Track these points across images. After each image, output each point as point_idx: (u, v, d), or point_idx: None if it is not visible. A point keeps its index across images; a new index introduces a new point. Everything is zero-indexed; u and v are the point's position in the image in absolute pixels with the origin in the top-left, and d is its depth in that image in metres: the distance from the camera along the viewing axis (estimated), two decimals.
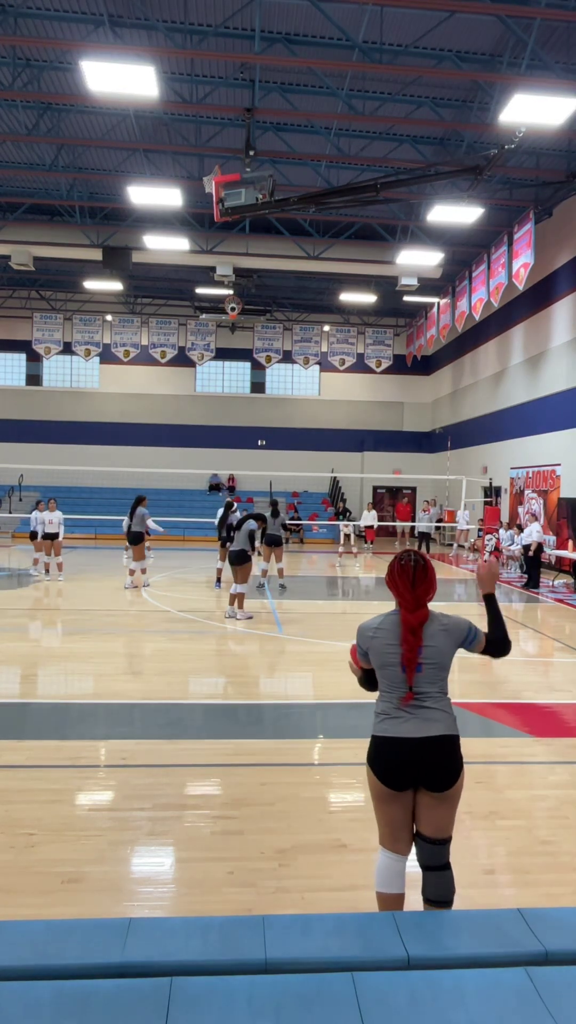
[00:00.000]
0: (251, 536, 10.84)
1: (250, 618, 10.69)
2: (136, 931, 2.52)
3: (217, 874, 3.72)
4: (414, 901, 3.51)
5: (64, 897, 3.48)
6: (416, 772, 2.96)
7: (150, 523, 13.51)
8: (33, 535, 15.26)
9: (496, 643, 3.31)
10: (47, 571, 15.05)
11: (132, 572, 13.64)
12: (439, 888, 3.05)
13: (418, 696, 3.05)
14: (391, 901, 3.06)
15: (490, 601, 3.35)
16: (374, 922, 2.66)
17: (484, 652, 3.29)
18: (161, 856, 3.97)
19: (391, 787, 2.98)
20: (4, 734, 5.80)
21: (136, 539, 13.39)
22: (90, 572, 15.91)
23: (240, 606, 10.76)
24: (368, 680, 3.30)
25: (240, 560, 10.65)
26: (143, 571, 13.64)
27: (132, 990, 2.23)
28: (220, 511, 13.59)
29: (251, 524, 10.81)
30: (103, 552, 20.05)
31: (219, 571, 13.97)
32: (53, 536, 14.88)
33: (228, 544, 13.17)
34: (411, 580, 3.04)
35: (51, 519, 14.86)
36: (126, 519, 13.96)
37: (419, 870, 3.10)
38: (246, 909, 3.38)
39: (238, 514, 13.71)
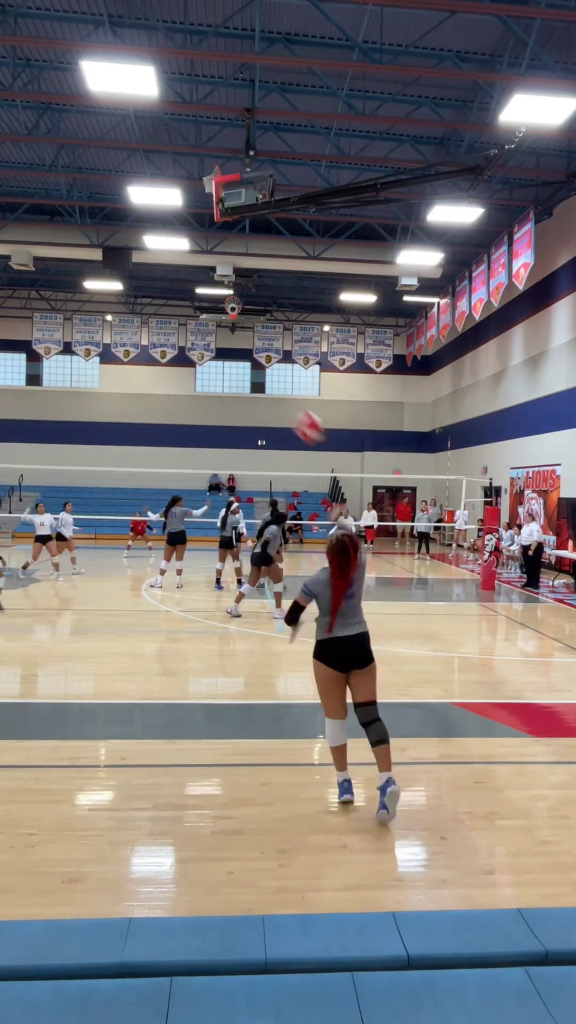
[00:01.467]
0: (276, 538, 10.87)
1: (278, 613, 10.92)
2: (136, 931, 2.52)
3: (217, 874, 3.72)
4: (414, 901, 3.51)
5: (64, 897, 3.48)
6: (350, 657, 4.57)
7: (151, 516, 13.66)
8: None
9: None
10: (56, 569, 15.16)
11: (163, 572, 13.69)
12: (378, 733, 4.51)
13: (346, 615, 4.62)
14: (341, 751, 4.72)
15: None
16: (374, 922, 2.66)
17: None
18: (161, 856, 3.97)
19: (338, 670, 4.60)
20: (4, 734, 5.80)
21: (177, 539, 13.43)
22: (90, 572, 15.89)
23: (278, 604, 10.99)
24: (297, 613, 5.00)
25: (262, 562, 10.64)
26: (179, 572, 13.72)
27: (132, 990, 2.23)
28: (222, 511, 13.57)
29: (272, 529, 10.72)
30: (103, 552, 20.04)
31: (219, 572, 13.95)
32: (45, 539, 15.04)
33: (236, 545, 13.30)
34: (345, 563, 4.54)
35: (42, 521, 15.06)
36: (155, 516, 14.24)
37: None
38: (246, 909, 3.38)
39: (240, 515, 13.91)
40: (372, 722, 4.51)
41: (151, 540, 19.99)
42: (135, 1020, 2.11)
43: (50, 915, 3.25)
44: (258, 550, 10.67)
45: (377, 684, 4.59)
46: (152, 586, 13.65)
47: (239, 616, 10.74)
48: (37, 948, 2.44)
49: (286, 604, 10.69)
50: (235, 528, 13.39)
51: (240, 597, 10.96)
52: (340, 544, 4.53)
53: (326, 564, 4.61)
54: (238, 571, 13.90)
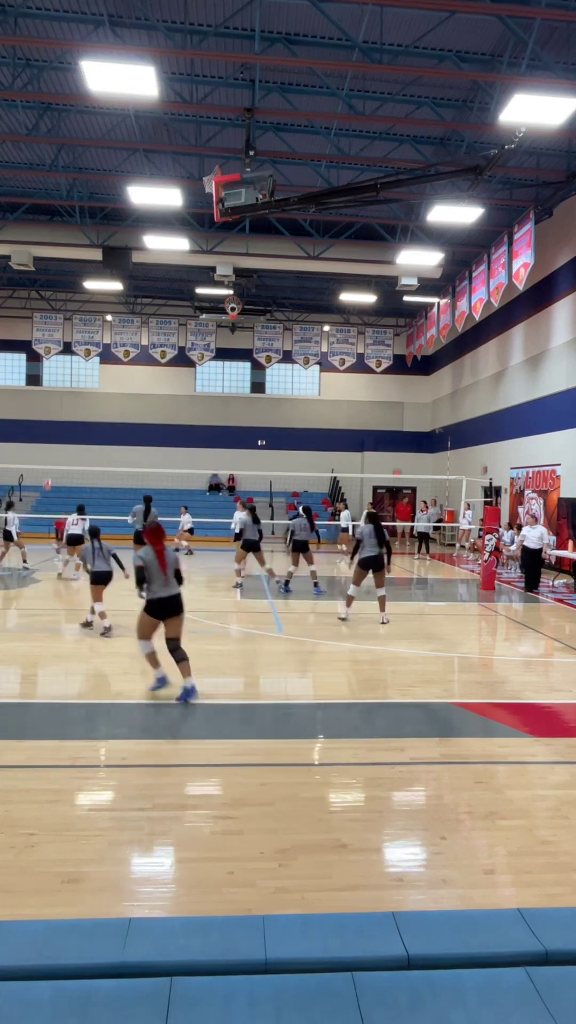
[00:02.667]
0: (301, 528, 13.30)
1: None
2: (136, 931, 2.52)
3: (217, 874, 3.72)
4: (414, 901, 3.51)
5: (64, 897, 3.48)
6: (168, 609, 6.84)
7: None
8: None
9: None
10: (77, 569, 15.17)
11: (239, 572, 14.03)
12: (179, 655, 6.87)
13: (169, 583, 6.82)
14: (152, 656, 7.00)
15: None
16: (374, 922, 2.66)
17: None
18: (161, 856, 3.97)
19: (158, 618, 6.89)
20: (4, 734, 5.80)
21: (251, 546, 13.73)
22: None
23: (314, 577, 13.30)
24: (141, 579, 6.83)
25: (300, 548, 13.28)
26: (239, 573, 14.12)
27: (132, 990, 2.23)
28: (240, 515, 14.59)
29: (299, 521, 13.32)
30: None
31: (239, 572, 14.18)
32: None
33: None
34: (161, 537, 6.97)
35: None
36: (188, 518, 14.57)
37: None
38: (246, 909, 3.38)
39: (242, 514, 14.57)
40: (176, 650, 6.95)
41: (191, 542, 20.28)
42: (135, 1020, 2.11)
43: (50, 915, 3.25)
44: (302, 537, 13.20)
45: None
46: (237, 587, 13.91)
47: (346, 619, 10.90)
48: (37, 948, 2.44)
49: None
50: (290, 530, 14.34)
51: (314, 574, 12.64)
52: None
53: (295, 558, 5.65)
54: (270, 572, 14.30)
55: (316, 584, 13.66)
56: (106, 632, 9.51)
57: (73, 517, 15.16)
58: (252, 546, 13.61)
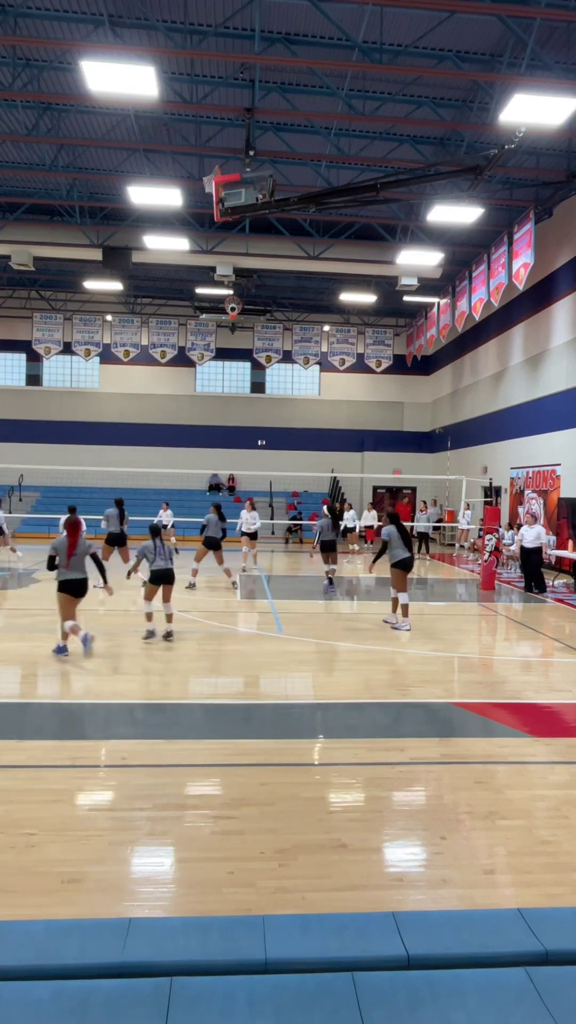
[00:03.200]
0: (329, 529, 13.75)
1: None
2: (136, 931, 2.52)
3: (217, 874, 3.72)
4: (413, 902, 3.51)
5: (64, 897, 3.48)
6: (78, 589, 8.28)
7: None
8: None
9: None
10: None
11: (196, 573, 13.90)
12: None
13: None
14: (75, 627, 8.05)
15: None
16: (374, 922, 2.66)
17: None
18: (161, 856, 3.97)
19: (76, 596, 8.25)
20: (4, 734, 5.80)
21: (212, 544, 13.62)
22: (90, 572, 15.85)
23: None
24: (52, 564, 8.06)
25: (328, 548, 13.79)
26: (195, 572, 13.94)
27: (132, 990, 2.23)
28: (245, 513, 15.11)
29: (325, 522, 13.76)
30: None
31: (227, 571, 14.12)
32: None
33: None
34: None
35: None
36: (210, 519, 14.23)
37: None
38: (246, 909, 3.38)
39: (252, 514, 15.86)
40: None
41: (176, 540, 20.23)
42: (135, 1020, 2.11)
43: (50, 915, 3.25)
44: (329, 537, 13.62)
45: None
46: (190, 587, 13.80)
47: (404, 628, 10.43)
48: (37, 948, 2.44)
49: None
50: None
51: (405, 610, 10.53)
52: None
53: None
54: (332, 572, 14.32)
55: (331, 582, 14.05)
56: (168, 637, 9.08)
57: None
58: (213, 544, 13.59)
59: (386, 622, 10.59)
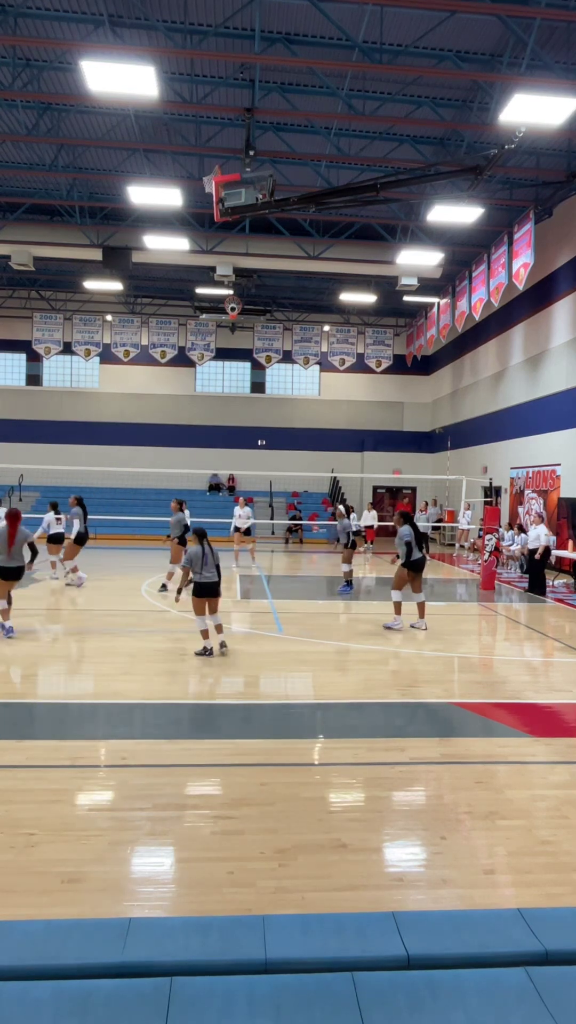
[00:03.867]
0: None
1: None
2: (136, 931, 2.52)
3: (217, 874, 3.72)
4: (413, 902, 3.51)
5: (64, 897, 3.48)
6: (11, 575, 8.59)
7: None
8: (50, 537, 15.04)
9: None
10: (53, 568, 14.94)
11: (171, 576, 13.50)
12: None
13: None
14: (5, 611, 9.10)
15: None
16: (374, 922, 2.66)
17: None
18: (161, 856, 3.97)
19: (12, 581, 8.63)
20: (4, 734, 5.80)
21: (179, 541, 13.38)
22: (89, 572, 15.87)
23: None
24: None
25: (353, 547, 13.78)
26: (170, 576, 13.47)
27: (132, 990, 2.23)
28: (237, 510, 14.32)
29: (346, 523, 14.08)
30: (103, 552, 20.02)
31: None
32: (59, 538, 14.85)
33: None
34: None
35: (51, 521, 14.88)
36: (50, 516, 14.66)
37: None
38: (246, 909, 3.38)
39: (245, 510, 15.80)
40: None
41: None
42: (135, 1020, 2.11)
43: (50, 915, 3.25)
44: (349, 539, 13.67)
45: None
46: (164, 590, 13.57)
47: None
48: (37, 948, 2.44)
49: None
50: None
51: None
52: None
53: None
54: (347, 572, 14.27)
55: (349, 584, 14.16)
56: (223, 648, 8.55)
57: (51, 516, 14.78)
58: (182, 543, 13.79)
59: (388, 627, 10.33)
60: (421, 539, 10.45)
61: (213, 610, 8.64)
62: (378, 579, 17.06)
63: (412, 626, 10.44)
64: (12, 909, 3.33)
